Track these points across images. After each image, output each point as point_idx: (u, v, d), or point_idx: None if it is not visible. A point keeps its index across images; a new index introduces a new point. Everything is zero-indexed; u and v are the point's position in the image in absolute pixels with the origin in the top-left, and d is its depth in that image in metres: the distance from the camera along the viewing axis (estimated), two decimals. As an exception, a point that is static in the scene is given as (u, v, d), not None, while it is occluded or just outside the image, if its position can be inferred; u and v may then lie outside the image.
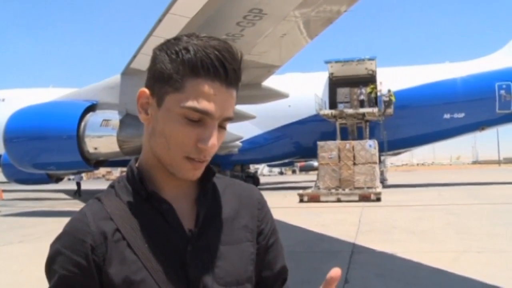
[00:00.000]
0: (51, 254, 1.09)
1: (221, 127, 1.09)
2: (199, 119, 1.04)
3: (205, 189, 1.19)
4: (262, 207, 1.28)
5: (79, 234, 1.08)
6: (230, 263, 1.14)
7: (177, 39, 1.08)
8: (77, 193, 30.33)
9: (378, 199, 18.89)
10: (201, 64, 1.02)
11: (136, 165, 1.18)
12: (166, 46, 1.08)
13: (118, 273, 1.06)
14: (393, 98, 28.32)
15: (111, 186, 1.19)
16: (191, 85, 1.03)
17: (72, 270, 1.06)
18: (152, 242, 1.09)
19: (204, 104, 1.02)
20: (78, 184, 32.08)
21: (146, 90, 1.11)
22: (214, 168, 1.21)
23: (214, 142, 1.06)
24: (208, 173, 1.20)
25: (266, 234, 1.25)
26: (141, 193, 1.13)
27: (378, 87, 29.02)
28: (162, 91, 1.06)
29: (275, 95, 22.56)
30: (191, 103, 1.02)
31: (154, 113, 1.09)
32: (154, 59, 1.09)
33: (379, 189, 20.64)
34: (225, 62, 1.03)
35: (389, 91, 28.68)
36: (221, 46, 1.04)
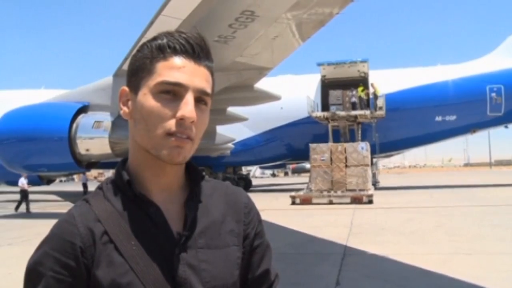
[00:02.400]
0: (38, 257, 1.08)
1: (201, 103, 1.11)
2: (173, 93, 1.08)
3: (194, 192, 1.19)
4: (249, 211, 1.27)
5: (68, 236, 1.07)
6: (217, 267, 1.14)
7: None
8: (84, 194, 30.34)
9: (370, 201, 18.91)
10: (168, 44, 1.10)
11: (124, 166, 1.18)
12: (139, 47, 1.15)
13: (106, 275, 1.06)
14: (377, 92, 28.49)
15: (99, 188, 1.19)
16: (161, 64, 1.09)
17: (61, 272, 1.05)
18: (139, 244, 1.09)
19: (175, 76, 1.08)
20: (85, 185, 32.12)
21: (125, 88, 1.16)
22: (204, 171, 1.21)
23: (191, 111, 1.06)
24: (196, 177, 1.21)
25: (251, 238, 1.25)
26: (129, 195, 1.13)
27: (370, 89, 29.15)
28: (138, 80, 1.12)
29: (267, 97, 22.59)
30: (162, 78, 1.08)
31: (133, 104, 1.13)
32: (130, 61, 1.16)
33: (371, 191, 20.65)
34: (189, 39, 1.11)
35: (371, 84, 28.87)
36: (185, 31, 1.13)
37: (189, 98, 1.07)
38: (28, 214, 19.33)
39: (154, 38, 1.12)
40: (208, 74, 1.14)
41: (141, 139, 1.11)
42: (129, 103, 1.14)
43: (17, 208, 20.47)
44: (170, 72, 1.08)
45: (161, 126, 1.07)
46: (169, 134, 1.07)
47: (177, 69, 1.08)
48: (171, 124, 1.07)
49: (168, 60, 1.09)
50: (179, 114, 1.06)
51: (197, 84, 1.09)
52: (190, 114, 1.06)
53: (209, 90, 1.12)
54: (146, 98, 1.09)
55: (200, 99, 1.11)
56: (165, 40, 1.10)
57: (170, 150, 1.08)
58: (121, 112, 1.16)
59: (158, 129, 1.07)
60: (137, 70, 1.12)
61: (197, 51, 1.11)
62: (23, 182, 20.78)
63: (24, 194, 20.66)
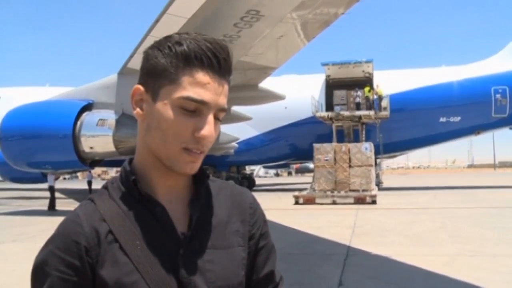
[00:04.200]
0: (44, 256, 1.08)
1: (216, 118, 1.10)
2: (195, 109, 1.06)
3: (199, 192, 1.19)
4: (254, 211, 1.27)
5: (72, 236, 1.07)
6: (222, 267, 1.14)
7: (168, 37, 1.10)
8: (89, 192, 30.46)
9: (374, 202, 18.90)
10: (194, 55, 1.05)
11: (130, 166, 1.18)
12: (158, 44, 1.10)
13: (111, 274, 1.06)
14: (382, 93, 28.49)
15: (105, 187, 1.19)
16: (185, 76, 1.05)
17: (66, 272, 1.05)
18: (144, 244, 1.09)
19: (200, 93, 1.05)
20: (90, 183, 32.22)
21: (140, 87, 1.12)
22: (208, 171, 1.21)
23: (211, 131, 1.07)
24: (202, 177, 1.20)
25: (257, 238, 1.24)
26: (134, 195, 1.13)
27: (375, 90, 29.11)
28: (157, 85, 1.08)
29: (271, 96, 22.56)
30: (187, 93, 1.05)
31: (149, 108, 1.10)
32: (147, 57, 1.11)
33: (375, 191, 20.64)
34: (217, 52, 1.06)
35: (377, 86, 28.87)
36: (211, 39, 1.08)
37: (210, 118, 1.07)
38: (37, 212, 19.39)
39: (179, 43, 1.07)
40: (227, 89, 1.12)
41: (155, 147, 1.10)
42: (144, 105, 1.12)
43: (53, 206, 20.30)
44: (195, 88, 1.05)
45: (179, 141, 1.07)
46: (185, 149, 1.07)
47: (202, 85, 1.05)
48: (189, 139, 1.06)
49: (193, 75, 1.05)
50: (200, 133, 1.06)
51: (219, 102, 1.08)
52: (210, 134, 1.07)
53: (226, 105, 1.11)
54: (166, 109, 1.06)
55: (218, 116, 1.10)
56: (191, 48, 1.06)
57: (184, 165, 1.09)
58: (134, 112, 1.13)
59: (175, 143, 1.07)
60: (158, 75, 1.08)
61: (223, 65, 1.08)
62: (50, 179, 20.76)
63: (52, 191, 20.63)
